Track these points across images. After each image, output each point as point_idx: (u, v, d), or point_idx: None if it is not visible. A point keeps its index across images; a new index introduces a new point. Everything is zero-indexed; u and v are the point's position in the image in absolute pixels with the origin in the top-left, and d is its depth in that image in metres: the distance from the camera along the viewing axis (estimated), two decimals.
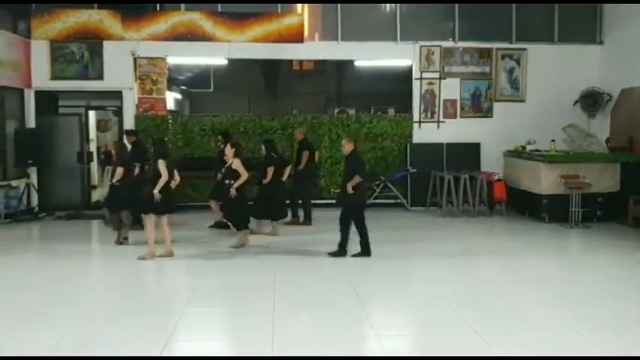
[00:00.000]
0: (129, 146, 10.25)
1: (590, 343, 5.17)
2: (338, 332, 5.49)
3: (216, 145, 11.22)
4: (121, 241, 9.19)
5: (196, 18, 12.74)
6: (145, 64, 12.73)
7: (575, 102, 13.25)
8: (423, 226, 11.16)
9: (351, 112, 14.16)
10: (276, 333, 5.35)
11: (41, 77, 12.54)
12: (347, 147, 8.47)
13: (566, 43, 13.34)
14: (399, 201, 12.84)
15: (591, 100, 13.17)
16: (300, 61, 16.07)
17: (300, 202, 10.93)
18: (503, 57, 13.34)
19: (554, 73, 13.17)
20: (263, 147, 10.14)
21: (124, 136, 11.17)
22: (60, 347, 5.05)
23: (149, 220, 8.31)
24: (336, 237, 8.38)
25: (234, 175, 8.78)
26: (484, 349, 5.01)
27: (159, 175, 8.19)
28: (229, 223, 9.52)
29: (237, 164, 8.78)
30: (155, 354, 4.90)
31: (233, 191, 8.74)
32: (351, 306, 6.20)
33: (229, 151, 8.91)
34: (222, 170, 9.13)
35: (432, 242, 9.62)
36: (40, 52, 12.51)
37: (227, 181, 8.88)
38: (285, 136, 12.82)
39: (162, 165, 8.22)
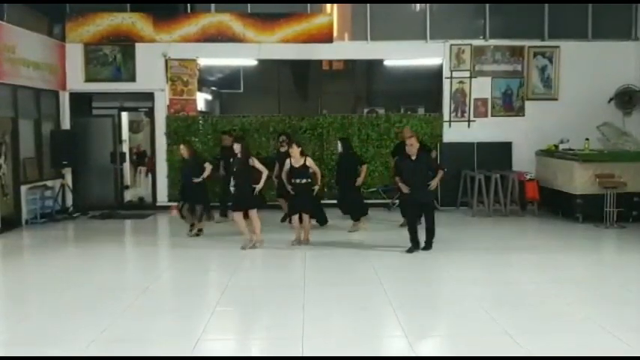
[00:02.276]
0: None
1: (625, 344, 5.06)
2: (368, 332, 5.49)
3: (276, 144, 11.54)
4: (197, 232, 9.90)
5: (226, 19, 12.85)
6: (176, 66, 12.89)
7: (610, 100, 13.01)
8: (454, 226, 11.05)
9: (381, 111, 14.11)
10: (305, 333, 5.36)
11: (76, 79, 12.80)
12: (416, 145, 8.55)
13: (600, 40, 13.09)
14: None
15: (627, 98, 12.92)
16: (330, 61, 16.02)
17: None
18: (535, 55, 13.16)
19: (588, 71, 12.93)
20: (340, 145, 10.40)
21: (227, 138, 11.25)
22: (96, 344, 5.13)
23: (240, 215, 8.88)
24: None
25: (306, 173, 8.95)
26: (515, 350, 4.94)
27: (250, 172, 8.78)
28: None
29: (310, 162, 9.02)
30: (186, 353, 4.95)
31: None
32: (381, 306, 6.19)
33: (296, 150, 8.96)
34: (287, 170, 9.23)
35: (463, 242, 9.54)
36: (75, 55, 12.77)
37: (299, 180, 8.97)
38: (314, 137, 12.85)
39: (257, 162, 8.87)
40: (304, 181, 8.97)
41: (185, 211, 9.94)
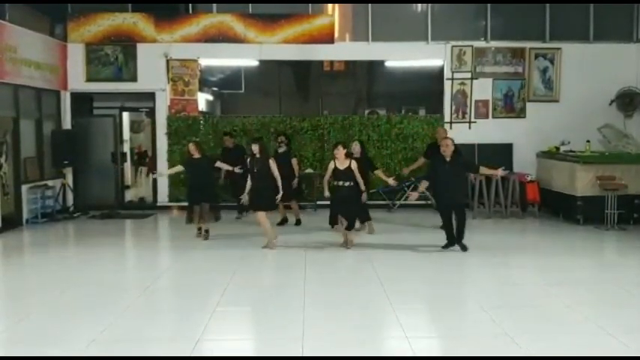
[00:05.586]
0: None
1: (625, 346, 5.06)
2: (367, 333, 5.48)
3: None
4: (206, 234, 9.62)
5: (227, 20, 12.87)
6: (178, 66, 12.90)
7: (611, 102, 13.01)
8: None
9: (382, 112, 14.13)
10: (305, 333, 5.36)
11: (77, 79, 12.82)
12: (451, 147, 8.58)
13: (601, 42, 13.11)
14: (429, 202, 12.75)
15: (628, 100, 12.93)
16: (331, 62, 16.06)
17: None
18: (536, 56, 13.16)
19: (589, 73, 12.94)
20: (359, 147, 9.83)
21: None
22: (96, 344, 5.14)
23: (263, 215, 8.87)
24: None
25: (350, 176, 8.69)
26: (514, 350, 4.95)
27: (270, 171, 8.82)
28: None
29: (355, 165, 8.74)
30: (186, 353, 4.95)
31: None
32: (381, 307, 6.19)
33: (342, 152, 8.73)
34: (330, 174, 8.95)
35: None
36: (76, 55, 12.79)
37: (342, 183, 8.72)
38: (315, 137, 12.85)
39: (274, 165, 8.87)
40: (347, 183, 8.70)
41: (203, 213, 9.46)
